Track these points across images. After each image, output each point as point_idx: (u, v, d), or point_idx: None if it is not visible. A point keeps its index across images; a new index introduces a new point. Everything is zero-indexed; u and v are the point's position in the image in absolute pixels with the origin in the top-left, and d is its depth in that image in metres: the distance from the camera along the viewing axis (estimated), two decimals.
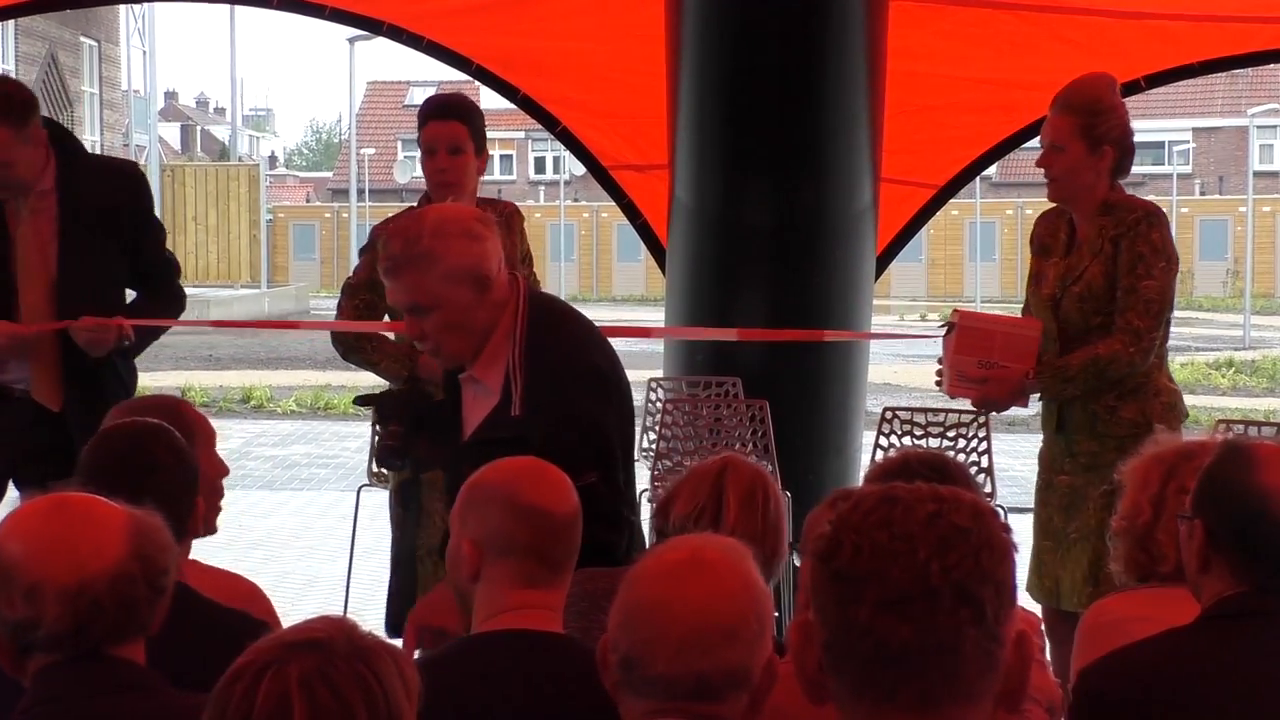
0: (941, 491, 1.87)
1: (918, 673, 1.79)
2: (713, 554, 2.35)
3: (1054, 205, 5.34)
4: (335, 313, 5.35)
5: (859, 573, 1.81)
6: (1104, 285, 5.08)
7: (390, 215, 4.95)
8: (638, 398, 11.09)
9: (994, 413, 5.70)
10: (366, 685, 1.89)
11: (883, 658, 1.79)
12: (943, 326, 5.28)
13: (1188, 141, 51.14)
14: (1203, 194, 49.33)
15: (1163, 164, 52.79)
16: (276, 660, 1.91)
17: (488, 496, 2.92)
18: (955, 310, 5.33)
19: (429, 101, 5.39)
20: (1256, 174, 39.77)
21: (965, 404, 5.57)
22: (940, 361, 5.27)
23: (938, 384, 5.32)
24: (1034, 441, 17.89)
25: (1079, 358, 5.03)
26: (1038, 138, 5.30)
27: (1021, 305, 5.42)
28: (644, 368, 8.86)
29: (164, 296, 5.30)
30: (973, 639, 1.79)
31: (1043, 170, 5.18)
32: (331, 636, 1.93)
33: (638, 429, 8.10)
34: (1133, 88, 7.26)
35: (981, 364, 5.11)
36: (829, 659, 1.83)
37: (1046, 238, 5.29)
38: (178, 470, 3.21)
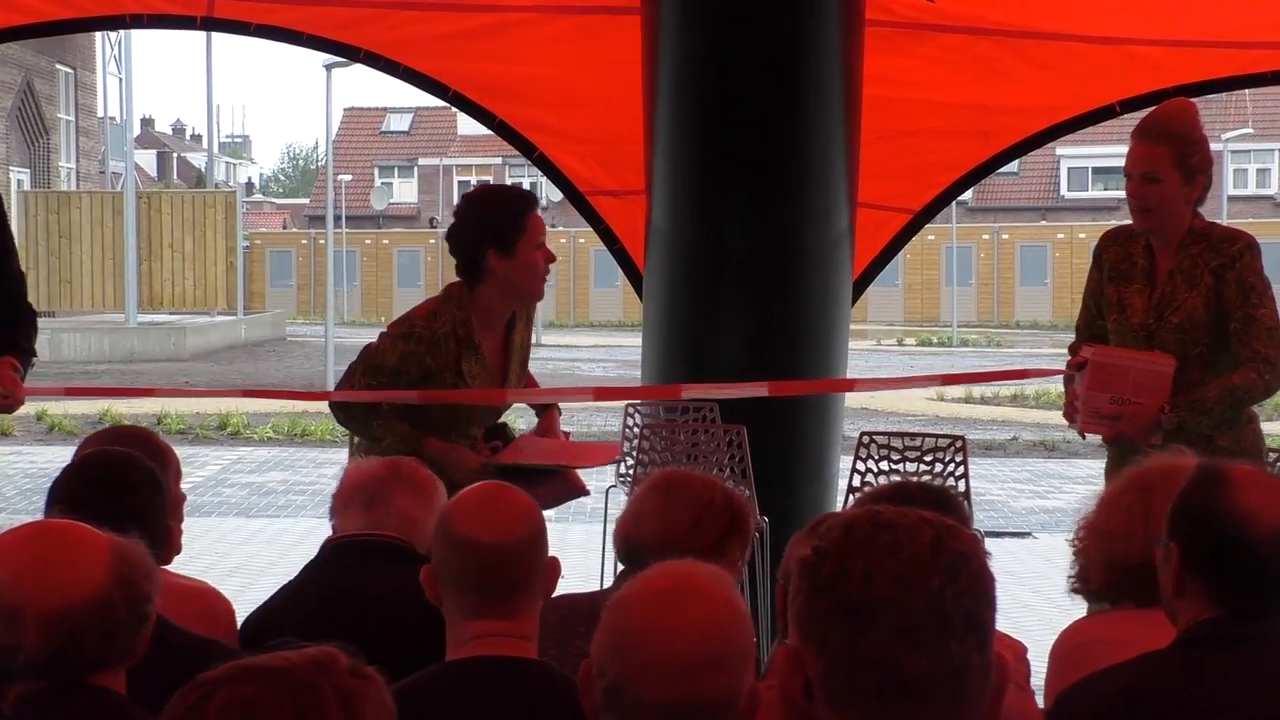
0: (929, 515, 1.86)
1: (929, 700, 1.78)
2: (698, 581, 2.35)
3: (1116, 228, 5.38)
4: (346, 376, 5.25)
5: (872, 601, 1.79)
6: (1205, 316, 5.11)
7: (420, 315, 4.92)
8: (615, 423, 11.05)
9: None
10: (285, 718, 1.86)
11: (894, 687, 1.78)
12: (1075, 365, 5.23)
13: None
14: None
15: None
16: (210, 685, 1.89)
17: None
18: (1087, 345, 5.28)
19: (531, 196, 5.31)
20: (1231, 198, 39.89)
21: (942, 428, 5.58)
22: (1067, 396, 5.25)
23: (1069, 420, 5.29)
24: (1011, 466, 17.84)
25: (1215, 389, 5.06)
26: (1122, 166, 5.27)
27: (1078, 328, 5.43)
28: (618, 399, 8.84)
29: (25, 319, 5.19)
30: (977, 665, 1.80)
31: (1135, 200, 5.15)
32: (291, 665, 1.90)
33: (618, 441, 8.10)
34: (1108, 112, 7.29)
35: (1114, 400, 5.09)
36: (828, 689, 1.81)
37: (1121, 264, 5.28)
38: (154, 495, 3.21)
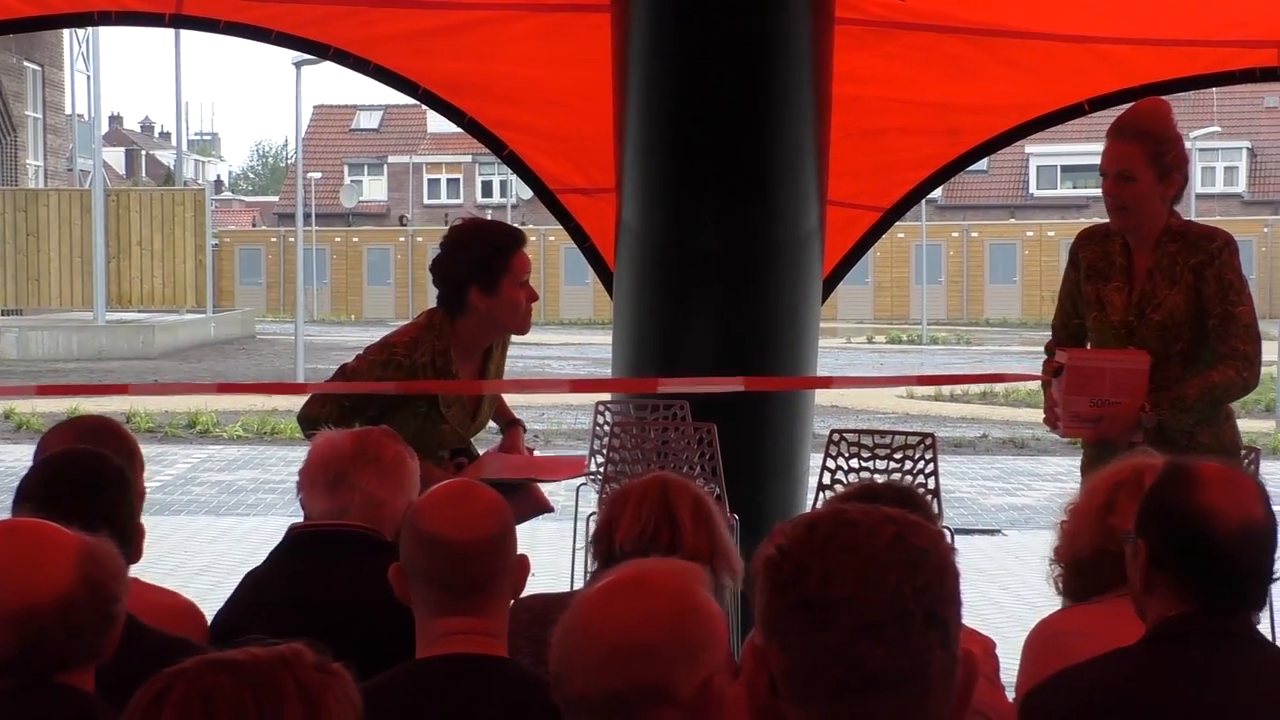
0: (893, 513, 1.87)
1: (891, 696, 1.78)
2: (658, 575, 2.35)
3: (1092, 227, 5.40)
4: (320, 396, 5.23)
5: (832, 599, 1.79)
6: (1186, 314, 5.14)
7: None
8: (585, 421, 11.05)
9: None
10: (244, 711, 1.85)
11: (856, 683, 1.78)
12: (1051, 370, 5.24)
13: None
14: None
15: None
16: (170, 678, 1.89)
17: (407, 522, 2.96)
18: (1061, 350, 5.30)
19: (518, 235, 5.30)
20: (1199, 196, 40.07)
21: (912, 426, 5.61)
22: (1046, 401, 5.27)
23: (1051, 426, 5.31)
24: (980, 464, 17.86)
25: (1195, 387, 5.09)
26: (1097, 165, 5.30)
27: (1054, 327, 5.46)
28: (594, 391, 8.84)
29: None
30: (940, 661, 1.80)
31: (1111, 199, 5.17)
32: (254, 659, 1.90)
33: (586, 451, 8.10)
34: (1077, 111, 7.30)
35: (1094, 402, 5.11)
36: (793, 687, 1.81)
37: (1098, 262, 5.30)
38: (123, 494, 3.20)
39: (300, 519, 3.80)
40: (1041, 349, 5.69)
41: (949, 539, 1.91)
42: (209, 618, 3.67)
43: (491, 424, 5.70)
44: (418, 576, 2.88)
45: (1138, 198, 5.13)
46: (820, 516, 1.88)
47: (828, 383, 6.68)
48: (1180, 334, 5.15)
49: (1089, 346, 5.39)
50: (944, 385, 22.48)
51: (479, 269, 5.10)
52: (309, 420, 5.13)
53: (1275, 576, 2.84)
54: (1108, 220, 5.34)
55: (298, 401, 5.58)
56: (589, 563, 3.50)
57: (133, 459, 3.52)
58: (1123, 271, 5.23)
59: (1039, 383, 5.52)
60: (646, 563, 2.47)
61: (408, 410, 5.09)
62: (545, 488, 5.59)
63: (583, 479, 7.95)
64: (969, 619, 1.98)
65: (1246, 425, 16.59)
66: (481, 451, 5.51)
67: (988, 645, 3.33)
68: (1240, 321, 5.11)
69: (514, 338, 5.63)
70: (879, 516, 1.85)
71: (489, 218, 6.04)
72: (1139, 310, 5.18)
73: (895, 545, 1.81)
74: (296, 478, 3.78)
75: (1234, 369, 5.09)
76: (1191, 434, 5.10)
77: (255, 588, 3.67)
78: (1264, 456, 5.50)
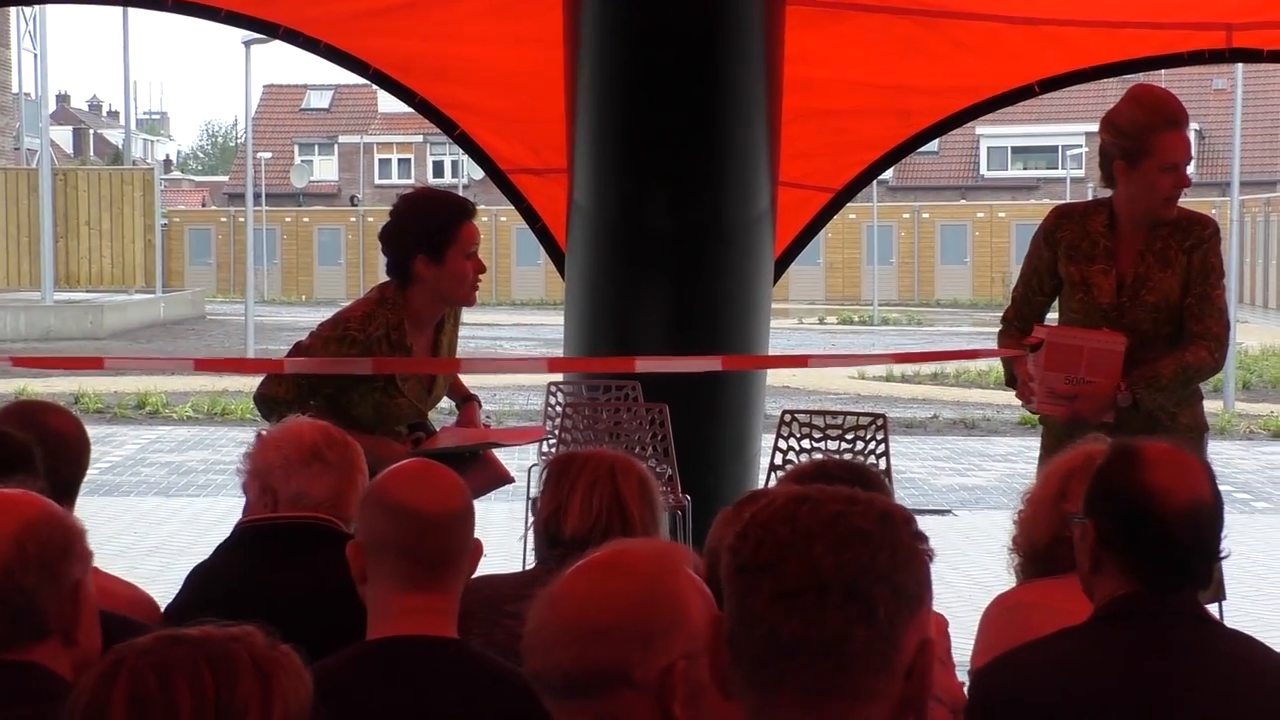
0: (857, 495, 1.88)
1: (805, 665, 1.81)
2: (632, 556, 2.35)
3: (1067, 205, 5.45)
4: (274, 374, 5.19)
5: (758, 565, 1.83)
6: (1179, 297, 5.22)
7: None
8: (537, 402, 11.01)
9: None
10: (201, 681, 1.85)
11: (773, 649, 1.82)
12: (1030, 345, 5.26)
13: (1081, 145, 51.72)
14: (1095, 197, 49.89)
15: (1056, 168, 53.36)
16: (124, 651, 1.88)
17: (370, 499, 2.93)
18: (1040, 326, 5.32)
19: (466, 205, 5.25)
20: None
21: (863, 407, 5.62)
22: (1017, 380, 5.29)
23: (1024, 401, 5.34)
24: (931, 444, 17.91)
25: (1169, 367, 5.15)
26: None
27: (1015, 299, 5.47)
28: (571, 370, 8.84)
29: None
30: (861, 637, 1.80)
31: (1177, 189, 5.20)
32: (208, 635, 1.90)
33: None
34: (1027, 92, 7.33)
35: (1070, 380, 5.14)
36: (731, 650, 1.86)
37: (1080, 242, 5.32)
38: (29, 472, 3.17)
39: (234, 505, 3.68)
40: (993, 329, 5.72)
41: (915, 522, 1.90)
42: (159, 599, 3.64)
43: (447, 401, 5.69)
44: (383, 549, 2.85)
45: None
46: (784, 492, 1.91)
47: (803, 361, 6.70)
48: (1170, 316, 5.23)
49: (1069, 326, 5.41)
50: (918, 363, 22.51)
51: (425, 238, 5.08)
52: (268, 400, 5.11)
53: (1221, 555, 2.86)
54: (1078, 200, 5.39)
55: (249, 384, 5.58)
56: (535, 547, 3.48)
57: (71, 445, 3.50)
58: (1107, 253, 5.26)
59: (997, 362, 5.55)
60: (628, 543, 2.46)
61: (365, 386, 5.08)
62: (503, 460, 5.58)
63: (536, 461, 7.95)
64: None
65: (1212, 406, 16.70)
66: (439, 428, 5.49)
67: (940, 624, 3.35)
68: (1215, 304, 5.22)
69: (466, 316, 5.62)
70: (836, 495, 1.88)
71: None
72: (1133, 292, 5.22)
73: (832, 520, 1.83)
74: (243, 463, 3.67)
75: (1206, 349, 5.17)
76: (1174, 415, 5.18)
77: (199, 588, 3.57)
78: (1210, 436, 5.55)
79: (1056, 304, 5.49)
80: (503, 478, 5.39)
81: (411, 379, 5.12)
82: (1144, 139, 5.16)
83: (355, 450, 3.63)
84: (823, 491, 1.88)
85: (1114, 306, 5.23)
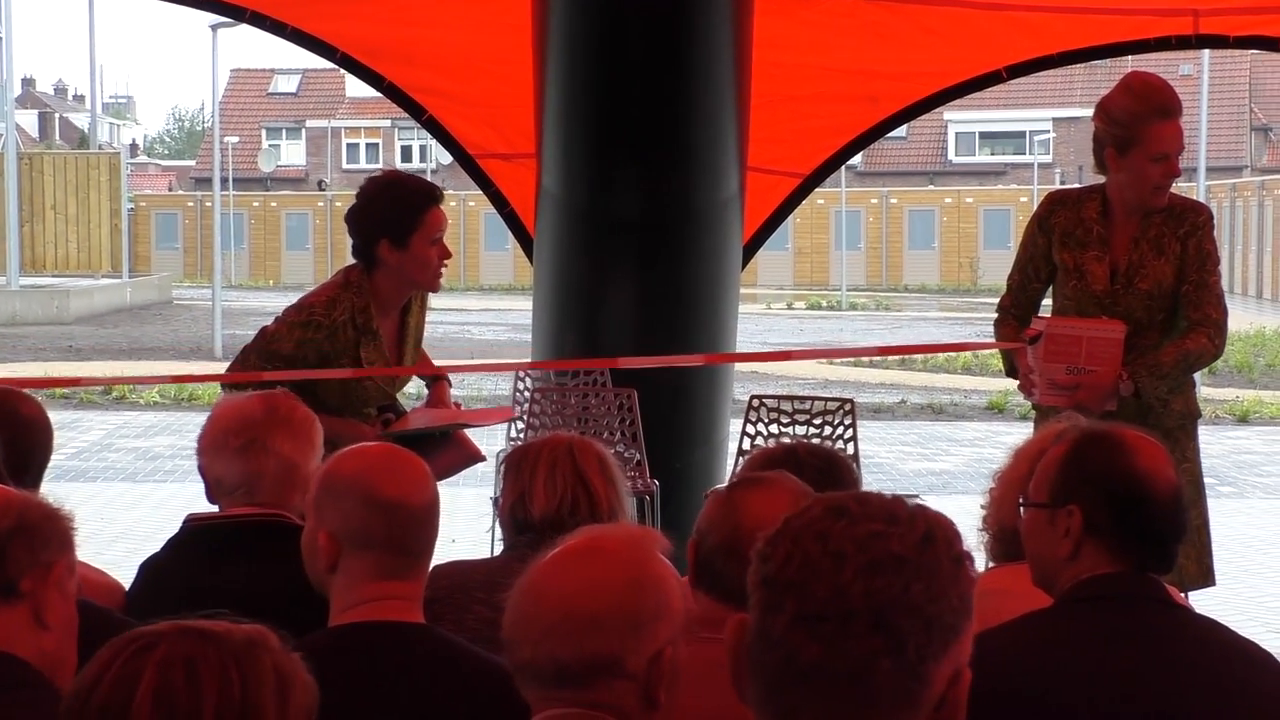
0: (898, 513, 1.79)
1: (823, 694, 1.72)
2: (611, 544, 2.34)
3: (1061, 192, 5.45)
4: (240, 360, 5.18)
5: (783, 581, 1.74)
6: (1173, 284, 5.23)
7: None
8: (506, 386, 11.01)
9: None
10: (229, 682, 1.84)
11: (791, 672, 1.73)
12: (1029, 337, 5.26)
13: (1048, 131, 51.87)
14: (1063, 183, 50.01)
15: (1024, 153, 53.47)
16: (150, 637, 1.86)
17: (344, 489, 2.87)
18: (1038, 318, 5.31)
19: (433, 191, 5.20)
20: None
21: (831, 392, 5.62)
22: (1017, 371, 5.29)
23: (1026, 394, 5.33)
24: (899, 429, 17.95)
25: (1170, 354, 5.16)
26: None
27: (1010, 287, 5.45)
28: (514, 355, 8.84)
29: None
30: (886, 670, 1.71)
31: (1169, 178, 5.20)
32: (230, 632, 1.88)
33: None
34: (994, 78, 7.34)
35: (1070, 370, 5.15)
36: (750, 662, 1.77)
37: (1075, 229, 5.32)
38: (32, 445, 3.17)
39: (202, 491, 3.62)
40: (961, 315, 5.73)
41: (959, 541, 1.80)
42: (127, 584, 3.63)
43: (420, 380, 5.69)
44: (365, 543, 2.82)
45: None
46: (825, 500, 1.81)
47: (788, 356, 6.70)
48: (1164, 304, 5.24)
49: (1059, 314, 5.41)
50: (906, 355, 22.44)
51: (391, 223, 5.06)
52: (232, 385, 5.09)
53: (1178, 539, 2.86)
54: (1069, 187, 5.40)
55: (216, 368, 5.56)
56: (503, 536, 3.48)
57: (36, 430, 3.49)
58: (1100, 240, 5.27)
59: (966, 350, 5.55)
60: (602, 529, 2.46)
61: (333, 367, 5.06)
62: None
63: (505, 446, 7.94)
64: None
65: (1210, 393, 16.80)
66: (409, 409, 5.48)
67: None
68: (1213, 290, 5.23)
69: (434, 301, 5.61)
70: (877, 512, 1.78)
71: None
72: (1126, 279, 5.23)
73: (866, 542, 1.74)
74: (197, 444, 3.60)
75: (1205, 335, 5.19)
76: (1166, 401, 5.19)
77: (158, 580, 3.49)
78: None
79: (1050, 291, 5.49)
80: (474, 456, 5.38)
81: (378, 361, 5.11)
82: (1134, 127, 5.16)
83: (271, 427, 3.50)
84: (863, 505, 1.78)
85: (1107, 293, 5.24)
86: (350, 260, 5.27)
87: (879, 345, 17.55)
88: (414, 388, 5.58)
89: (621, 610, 2.25)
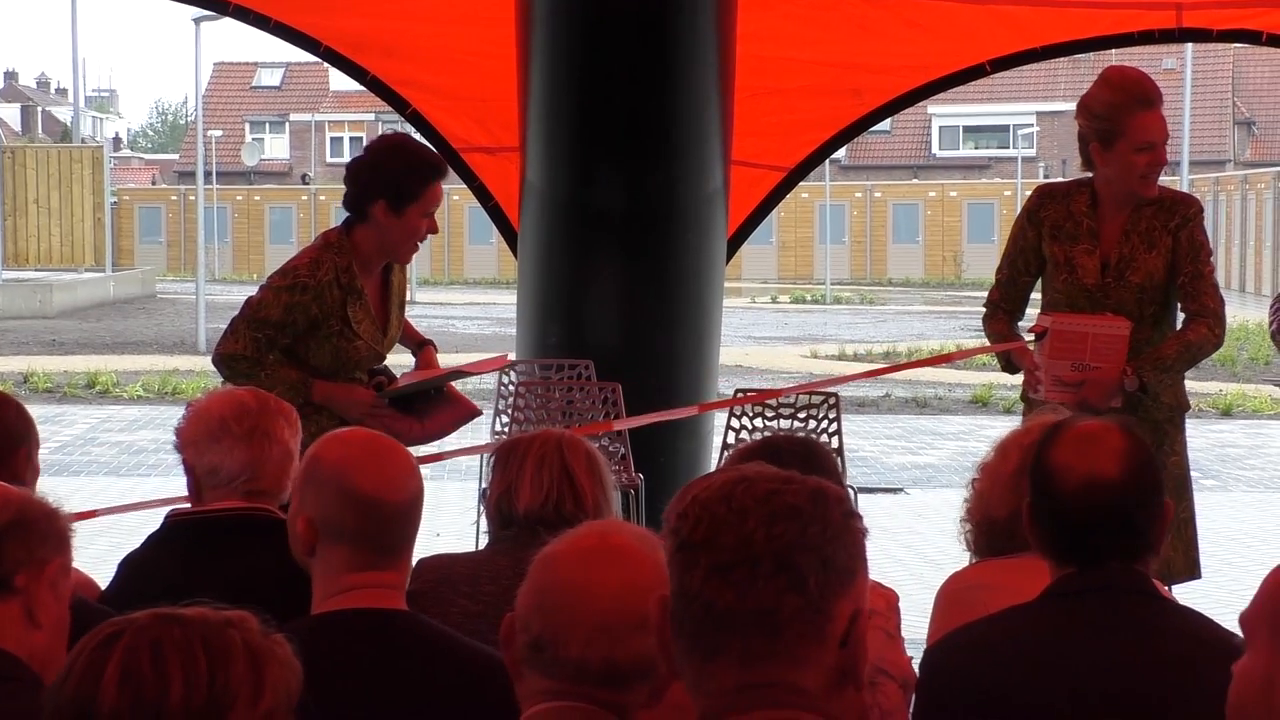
0: (792, 475, 1.96)
1: (739, 634, 1.89)
2: (621, 540, 2.36)
3: (1050, 185, 5.45)
4: (230, 331, 5.18)
5: (695, 541, 1.92)
6: (1164, 277, 5.24)
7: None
8: (490, 381, 11.08)
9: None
10: (194, 659, 1.84)
11: (710, 620, 1.90)
12: (1034, 334, 5.26)
13: (1032, 125, 51.92)
14: (1046, 176, 50.07)
15: (1007, 147, 53.53)
16: (120, 625, 1.87)
17: (325, 477, 2.87)
18: (1044, 314, 5.31)
19: (441, 166, 5.26)
20: None
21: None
22: (1014, 366, 5.30)
23: (1032, 391, 5.32)
24: (883, 422, 17.95)
25: (1173, 346, 5.19)
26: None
27: (999, 282, 5.44)
28: (499, 350, 8.83)
29: None
30: (792, 605, 1.89)
31: (1155, 169, 5.21)
32: (203, 615, 1.88)
33: (490, 411, 8.09)
34: (978, 72, 7.35)
35: (1076, 366, 5.16)
36: (673, 625, 1.94)
37: (1064, 222, 5.31)
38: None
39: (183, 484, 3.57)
40: (945, 309, 5.73)
41: (849, 500, 1.97)
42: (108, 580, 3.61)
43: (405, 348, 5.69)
44: (339, 534, 2.82)
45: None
46: (725, 473, 1.98)
47: (775, 395, 6.76)
48: (1155, 297, 5.24)
49: (1050, 308, 5.41)
50: (913, 369, 22.20)
51: (393, 186, 5.09)
52: (227, 358, 5.10)
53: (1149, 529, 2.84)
54: (1056, 180, 5.40)
55: (199, 363, 5.55)
56: (488, 529, 3.48)
57: (25, 431, 3.48)
58: (1090, 234, 5.27)
59: (951, 343, 5.56)
60: (607, 526, 2.47)
61: (322, 332, 5.08)
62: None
63: (491, 438, 7.94)
64: (872, 575, 2.01)
65: (1199, 387, 16.86)
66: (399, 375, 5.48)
67: (891, 599, 3.36)
68: (1209, 281, 5.25)
69: (418, 295, 5.62)
70: (771, 474, 1.96)
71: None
72: (1117, 272, 5.23)
73: (765, 497, 1.92)
74: (177, 437, 3.54)
75: (1205, 326, 5.20)
76: (1156, 394, 5.20)
77: (138, 577, 3.47)
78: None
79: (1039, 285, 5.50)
80: (471, 411, 5.39)
81: (365, 320, 5.12)
82: (1116, 120, 5.17)
83: (271, 416, 3.50)
84: (760, 472, 1.96)
85: (1098, 287, 5.24)
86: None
87: (888, 365, 17.18)
88: (394, 359, 5.54)
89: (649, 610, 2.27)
